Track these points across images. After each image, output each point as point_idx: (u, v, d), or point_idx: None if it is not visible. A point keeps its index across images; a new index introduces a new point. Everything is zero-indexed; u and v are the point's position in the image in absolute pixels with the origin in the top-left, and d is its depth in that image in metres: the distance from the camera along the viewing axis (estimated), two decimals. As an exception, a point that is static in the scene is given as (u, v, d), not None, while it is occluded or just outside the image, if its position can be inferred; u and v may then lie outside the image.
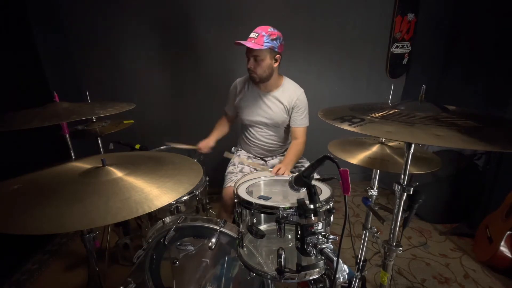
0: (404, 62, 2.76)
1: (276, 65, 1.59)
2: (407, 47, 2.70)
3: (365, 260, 1.38)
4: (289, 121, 1.73)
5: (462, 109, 0.91)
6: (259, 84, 1.66)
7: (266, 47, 1.49)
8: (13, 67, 1.95)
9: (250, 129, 1.80)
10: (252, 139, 1.82)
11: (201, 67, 2.61)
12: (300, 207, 0.77)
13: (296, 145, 1.70)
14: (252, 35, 1.51)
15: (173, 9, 2.42)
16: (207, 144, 1.75)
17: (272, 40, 1.50)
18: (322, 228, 0.77)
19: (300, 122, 1.70)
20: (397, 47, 2.69)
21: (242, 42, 1.48)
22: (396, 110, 0.90)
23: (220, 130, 1.86)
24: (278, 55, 1.57)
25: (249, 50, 1.53)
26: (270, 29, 1.51)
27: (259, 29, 1.51)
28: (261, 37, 1.48)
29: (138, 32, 2.48)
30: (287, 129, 1.79)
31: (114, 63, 2.55)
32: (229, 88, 1.83)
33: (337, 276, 0.70)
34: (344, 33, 2.61)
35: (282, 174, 1.45)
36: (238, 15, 2.45)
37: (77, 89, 2.46)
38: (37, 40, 2.13)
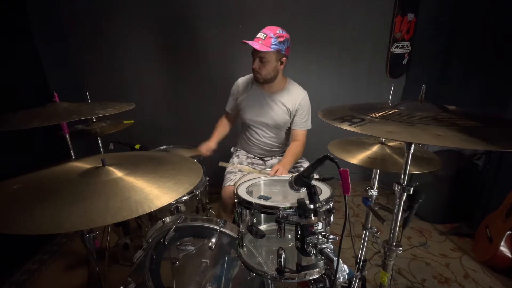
0: (404, 62, 2.76)
1: (281, 67, 1.57)
2: (407, 47, 2.70)
3: (365, 260, 1.38)
4: (291, 123, 1.72)
5: (462, 109, 0.91)
6: (263, 84, 1.65)
7: (273, 49, 1.45)
8: (13, 67, 1.95)
9: (251, 129, 1.79)
10: (252, 139, 1.81)
11: (201, 67, 2.61)
12: (300, 207, 0.77)
13: (295, 147, 1.70)
14: (260, 35, 1.47)
15: (173, 9, 2.42)
16: (208, 147, 1.71)
17: (280, 42, 1.46)
18: (322, 228, 0.77)
19: (302, 125, 1.70)
20: (397, 47, 2.69)
21: (249, 42, 1.45)
22: (396, 110, 0.89)
23: (221, 131, 1.83)
24: (284, 58, 1.54)
25: (255, 51, 1.49)
26: (278, 30, 1.47)
27: (267, 30, 1.47)
28: (269, 39, 1.45)
29: (138, 32, 2.48)
30: (288, 131, 1.79)
31: (114, 63, 2.55)
32: (230, 88, 1.82)
33: (337, 276, 0.70)
34: (344, 33, 2.61)
35: (280, 175, 1.45)
36: (239, 15, 2.45)
37: (77, 89, 2.46)
38: (37, 40, 2.13)
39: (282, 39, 1.47)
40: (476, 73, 2.31)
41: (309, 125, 1.73)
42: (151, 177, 0.82)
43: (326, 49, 2.65)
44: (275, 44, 1.45)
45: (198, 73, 2.63)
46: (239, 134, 1.95)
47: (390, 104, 0.95)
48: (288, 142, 1.85)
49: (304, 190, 0.83)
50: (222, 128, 1.85)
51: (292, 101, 1.66)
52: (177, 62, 2.61)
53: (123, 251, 1.84)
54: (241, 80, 1.77)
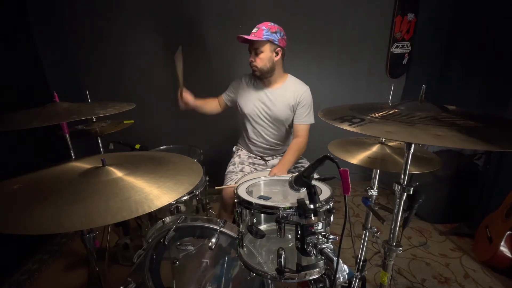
0: (404, 62, 2.76)
1: (277, 58, 1.60)
2: (407, 47, 2.70)
3: (365, 260, 1.38)
4: (293, 118, 1.73)
5: (462, 109, 0.91)
6: (263, 79, 1.68)
7: (265, 39, 1.52)
8: (13, 67, 1.95)
9: (252, 126, 1.79)
10: (253, 137, 1.81)
11: (201, 67, 2.61)
12: (300, 207, 0.77)
13: (297, 144, 1.69)
14: (254, 30, 1.56)
15: (173, 9, 2.42)
16: (186, 97, 1.72)
17: (272, 33, 1.53)
18: (322, 228, 0.77)
19: (304, 119, 1.70)
20: (397, 47, 2.69)
21: (243, 35, 1.52)
22: (396, 110, 0.89)
23: (206, 102, 1.85)
24: (278, 48, 1.58)
25: (250, 44, 1.57)
26: (270, 23, 1.55)
27: (259, 25, 1.56)
28: (261, 31, 1.53)
29: (138, 32, 2.47)
30: (290, 128, 1.79)
31: (114, 63, 2.55)
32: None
33: (337, 276, 0.70)
34: (344, 33, 2.61)
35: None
36: (239, 15, 2.45)
37: (77, 89, 2.46)
38: (37, 40, 2.13)
39: (273, 30, 1.54)
40: (476, 73, 2.31)
41: (311, 120, 1.72)
42: (151, 177, 0.82)
43: (326, 49, 2.65)
44: (267, 35, 1.53)
45: (198, 73, 2.62)
46: (240, 134, 1.95)
47: (390, 104, 0.95)
48: (289, 141, 1.85)
49: (304, 190, 0.83)
50: (207, 102, 1.87)
51: (294, 95, 1.67)
52: (177, 62, 2.60)
53: (123, 251, 1.84)
54: (245, 75, 1.80)
